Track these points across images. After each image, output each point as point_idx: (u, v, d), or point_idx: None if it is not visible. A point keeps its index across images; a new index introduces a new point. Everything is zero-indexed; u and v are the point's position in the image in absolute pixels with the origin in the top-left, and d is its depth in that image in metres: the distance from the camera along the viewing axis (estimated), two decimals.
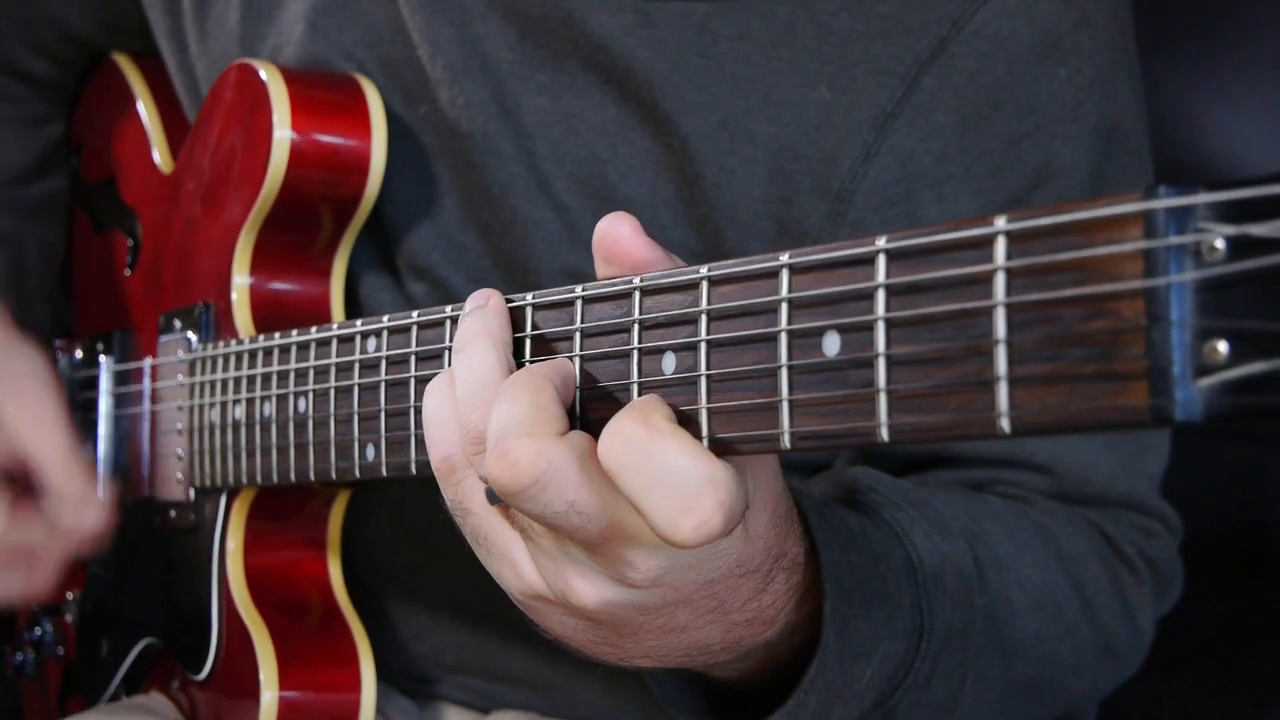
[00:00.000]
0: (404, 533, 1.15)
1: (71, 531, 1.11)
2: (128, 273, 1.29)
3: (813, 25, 0.95)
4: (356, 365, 0.88)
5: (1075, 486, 0.98)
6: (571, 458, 0.64)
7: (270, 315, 1.10)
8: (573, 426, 0.71)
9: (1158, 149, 1.04)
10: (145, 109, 1.32)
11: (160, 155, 1.28)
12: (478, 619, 1.14)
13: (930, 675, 0.84)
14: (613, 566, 0.67)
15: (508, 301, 0.75)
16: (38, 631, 1.38)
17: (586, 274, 1.01)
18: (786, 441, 0.61)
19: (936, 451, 0.99)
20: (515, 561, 0.72)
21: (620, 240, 0.70)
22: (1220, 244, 0.47)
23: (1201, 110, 1.33)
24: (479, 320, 0.73)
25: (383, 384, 0.86)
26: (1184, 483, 1.03)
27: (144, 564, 1.21)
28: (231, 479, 1.04)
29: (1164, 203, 0.48)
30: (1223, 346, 0.47)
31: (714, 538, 0.61)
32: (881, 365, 0.57)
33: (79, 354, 1.31)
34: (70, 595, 1.34)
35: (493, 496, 0.70)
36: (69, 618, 1.34)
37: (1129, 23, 1.00)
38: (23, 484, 1.12)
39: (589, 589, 0.69)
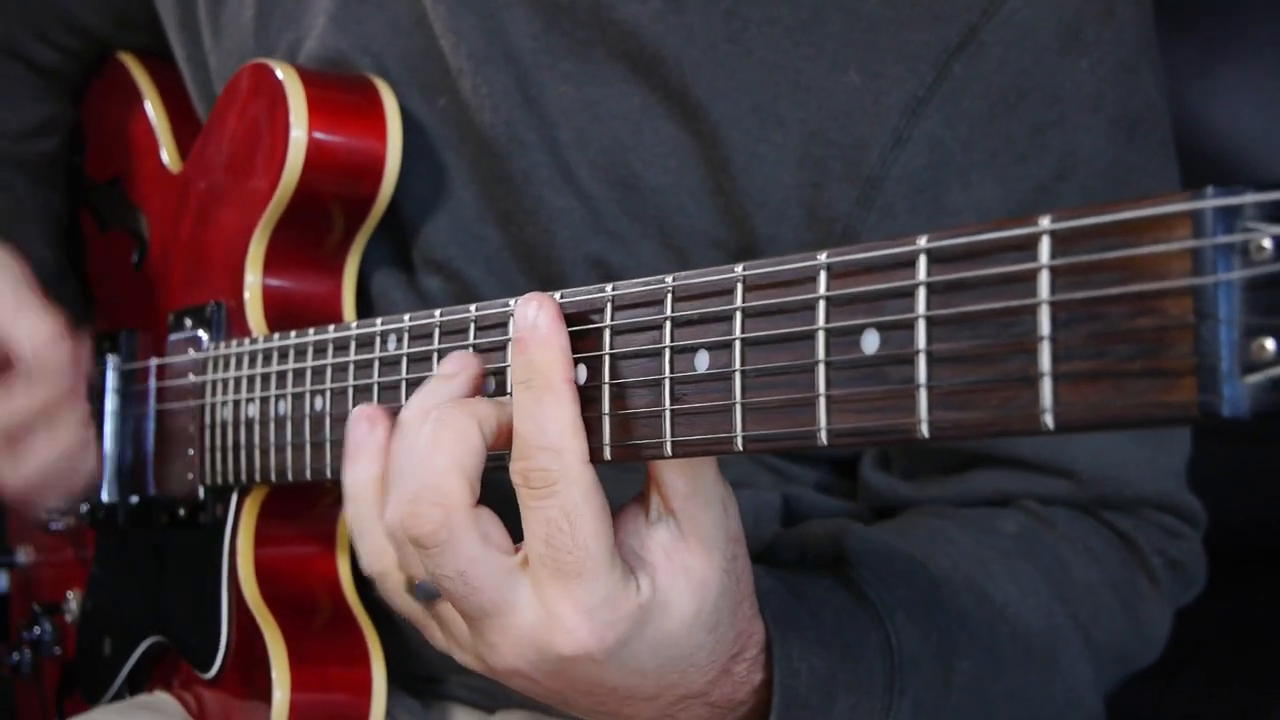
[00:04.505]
0: None
1: (53, 390, 1.12)
2: (134, 272, 1.28)
3: (841, 11, 0.95)
4: (377, 363, 0.89)
5: (1114, 490, 0.99)
6: (472, 533, 0.73)
7: (282, 314, 1.10)
8: (599, 424, 0.72)
9: None
10: (153, 108, 1.32)
11: (168, 154, 1.29)
12: None
13: None
14: (480, 645, 0.76)
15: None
16: (36, 631, 1.37)
17: (610, 262, 1.02)
18: (824, 438, 0.62)
19: (978, 450, 1.00)
20: (429, 630, 0.83)
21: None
22: (1268, 243, 0.48)
23: (1203, 108, 1.34)
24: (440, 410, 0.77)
25: (404, 383, 0.86)
26: (1190, 482, 1.04)
27: (150, 562, 1.21)
28: (244, 477, 1.04)
29: (1212, 202, 0.49)
30: (1270, 344, 0.48)
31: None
32: (922, 362, 0.58)
33: None
34: (70, 594, 1.34)
35: (420, 592, 0.79)
36: (68, 617, 1.34)
37: (1150, 13, 1.01)
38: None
39: (465, 658, 0.80)
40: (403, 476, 0.74)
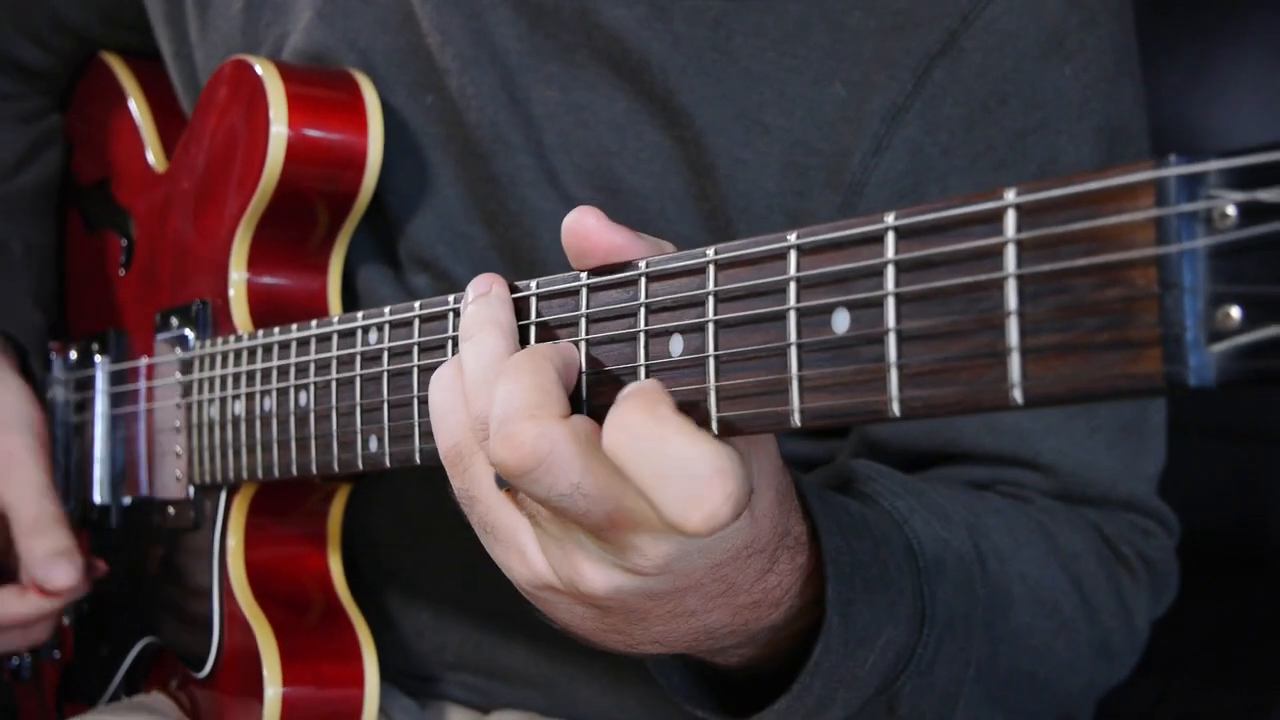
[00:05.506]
0: (405, 529, 1.15)
1: (47, 590, 1.12)
2: (122, 273, 1.28)
3: (826, 23, 0.96)
4: (359, 357, 0.89)
5: (1079, 488, 0.99)
6: (575, 440, 0.64)
7: (267, 311, 1.10)
8: (578, 411, 0.71)
9: (1155, 149, 1.04)
10: (137, 108, 1.32)
11: (153, 154, 1.28)
12: (479, 616, 1.14)
13: (933, 661, 0.84)
14: (621, 553, 0.67)
15: (512, 291, 0.76)
16: None
17: None
18: (797, 419, 0.62)
19: (941, 448, 1.00)
20: (523, 549, 0.71)
21: (590, 232, 0.71)
22: (1231, 210, 0.47)
23: (1199, 111, 1.34)
24: (484, 308, 0.74)
25: (385, 374, 0.86)
26: (1184, 483, 1.03)
27: (143, 563, 1.21)
28: (231, 475, 1.04)
29: (1175, 170, 0.48)
30: (1235, 312, 0.47)
31: (723, 527, 0.61)
32: (892, 340, 0.58)
33: (74, 355, 1.31)
34: None
35: (501, 481, 0.70)
36: (66, 620, 1.34)
37: (1132, 25, 1.01)
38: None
39: (598, 576, 0.69)
40: (483, 402, 0.69)
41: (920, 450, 1.00)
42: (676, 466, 0.61)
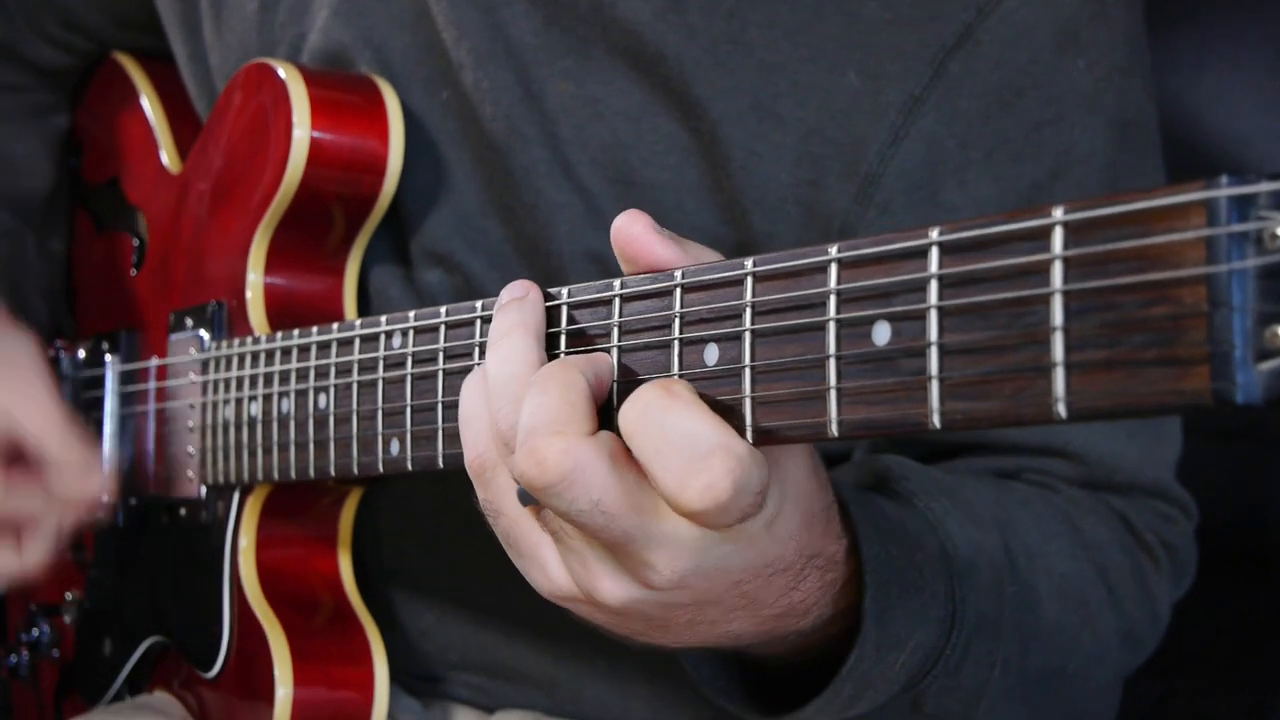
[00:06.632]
0: (410, 529, 1.15)
1: (72, 498, 1.12)
2: (133, 272, 1.28)
3: (840, 13, 0.97)
4: (382, 361, 0.89)
5: (1105, 475, 1.01)
6: (600, 457, 0.65)
7: (284, 312, 1.10)
8: (610, 418, 0.72)
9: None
10: (151, 108, 1.32)
11: (167, 154, 1.29)
12: (483, 615, 1.14)
13: (960, 663, 0.86)
14: (636, 569, 0.68)
15: (545, 299, 0.76)
16: (34, 633, 1.37)
17: (608, 257, 1.00)
18: (835, 429, 0.63)
19: (969, 439, 1.01)
20: (545, 563, 0.73)
21: (635, 240, 0.72)
22: None
23: (1200, 109, 1.35)
24: (515, 313, 0.74)
25: (409, 378, 0.86)
26: (1186, 482, 1.04)
27: (150, 562, 1.21)
28: (246, 476, 1.04)
29: (1226, 191, 0.49)
30: None
31: (720, 504, 0.62)
32: (934, 353, 0.58)
33: (82, 354, 1.31)
34: (69, 596, 1.33)
35: (525, 497, 0.71)
36: (67, 619, 1.34)
37: (1142, 18, 1.03)
38: (19, 462, 1.13)
39: (616, 589, 0.70)
40: (507, 412, 0.69)
41: (948, 440, 1.01)
42: (678, 437, 0.63)
